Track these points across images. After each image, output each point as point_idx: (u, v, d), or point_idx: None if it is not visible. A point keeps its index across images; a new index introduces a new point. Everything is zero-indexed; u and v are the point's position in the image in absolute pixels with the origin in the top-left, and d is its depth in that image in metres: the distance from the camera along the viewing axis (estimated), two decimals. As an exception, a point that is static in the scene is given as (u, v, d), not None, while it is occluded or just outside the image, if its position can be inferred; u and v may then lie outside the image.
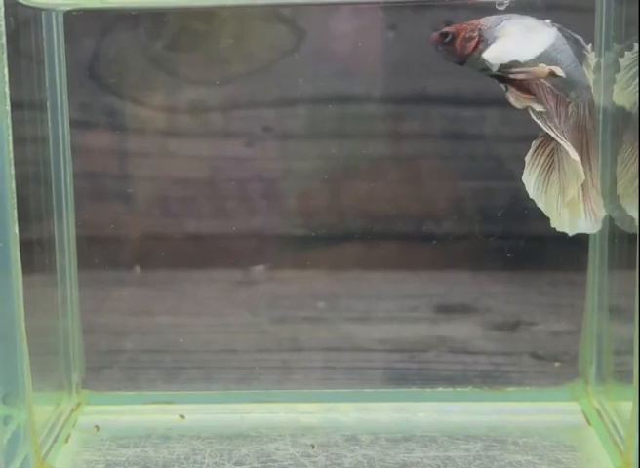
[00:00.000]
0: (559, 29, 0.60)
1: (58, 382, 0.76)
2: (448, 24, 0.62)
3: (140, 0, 0.73)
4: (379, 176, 0.80)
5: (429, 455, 0.68)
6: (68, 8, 0.70)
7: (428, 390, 0.78)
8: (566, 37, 0.60)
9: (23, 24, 0.68)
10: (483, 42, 0.60)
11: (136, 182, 0.82)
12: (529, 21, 0.60)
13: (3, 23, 0.58)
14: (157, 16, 0.77)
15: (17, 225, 0.60)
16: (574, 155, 0.59)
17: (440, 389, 0.78)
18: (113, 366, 0.81)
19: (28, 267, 0.63)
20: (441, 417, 0.74)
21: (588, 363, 0.75)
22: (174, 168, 0.81)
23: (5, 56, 0.58)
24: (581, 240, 0.74)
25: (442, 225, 0.81)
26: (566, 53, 0.60)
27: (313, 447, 0.69)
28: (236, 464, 0.67)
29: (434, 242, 0.81)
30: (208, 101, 0.80)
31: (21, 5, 0.66)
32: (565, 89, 0.61)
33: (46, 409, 0.72)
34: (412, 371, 0.80)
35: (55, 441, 0.70)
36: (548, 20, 0.60)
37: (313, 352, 0.82)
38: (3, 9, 0.58)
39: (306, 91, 0.80)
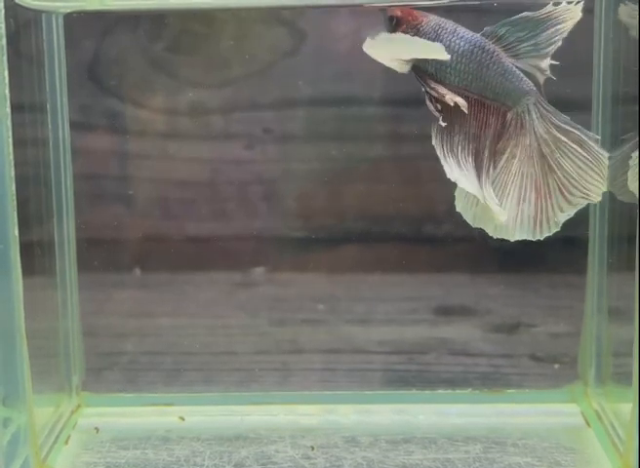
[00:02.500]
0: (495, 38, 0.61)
1: (58, 384, 0.76)
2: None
3: (141, 2, 0.73)
4: (378, 179, 0.80)
5: (429, 457, 0.68)
6: (68, 10, 0.70)
7: (428, 392, 0.78)
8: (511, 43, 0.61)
9: (24, 27, 0.68)
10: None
11: (136, 184, 0.82)
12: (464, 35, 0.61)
13: (3, 25, 0.58)
14: (157, 18, 0.77)
15: (17, 227, 0.60)
16: (454, 175, 0.61)
17: (440, 391, 0.78)
18: (113, 368, 0.81)
19: (28, 269, 0.63)
20: (441, 419, 0.74)
21: (588, 365, 0.75)
22: (174, 170, 0.81)
23: (5, 58, 0.58)
24: (581, 242, 0.74)
25: (441, 227, 0.81)
26: (495, 66, 0.60)
27: (313, 448, 0.69)
28: (236, 466, 0.67)
29: (434, 244, 0.81)
30: (208, 103, 0.80)
31: (22, 7, 0.66)
32: (499, 99, 0.61)
33: (46, 410, 0.72)
34: (411, 373, 0.80)
35: (55, 442, 0.70)
36: None
37: (313, 354, 0.82)
38: (3, 11, 0.58)
39: (306, 93, 0.80)
